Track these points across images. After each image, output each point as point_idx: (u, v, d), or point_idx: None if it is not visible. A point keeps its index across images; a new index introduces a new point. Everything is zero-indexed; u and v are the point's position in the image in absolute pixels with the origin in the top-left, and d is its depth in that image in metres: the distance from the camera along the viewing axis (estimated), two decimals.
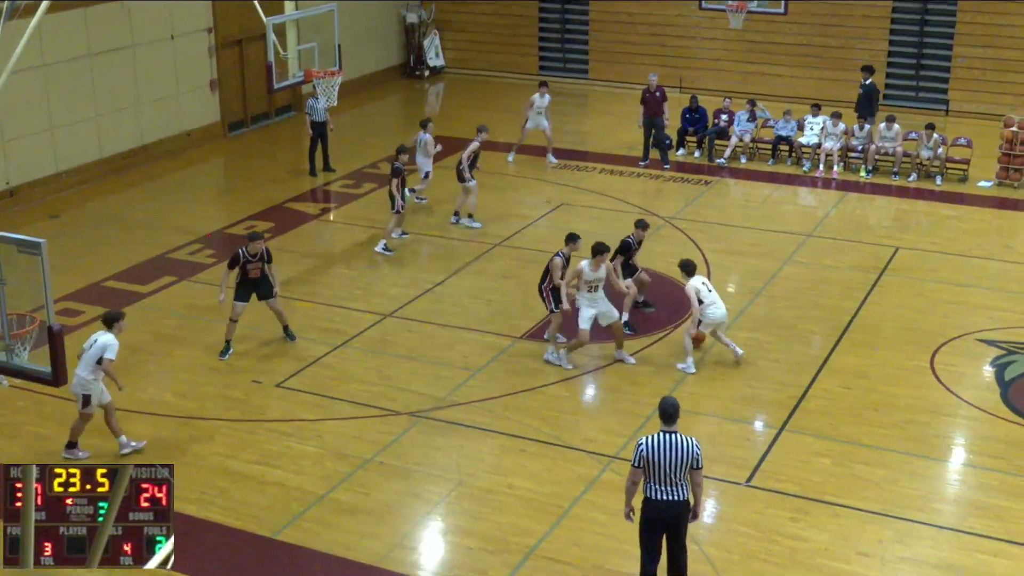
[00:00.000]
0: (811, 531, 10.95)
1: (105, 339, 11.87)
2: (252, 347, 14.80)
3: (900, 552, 10.67)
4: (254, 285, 14.35)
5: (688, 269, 14.15)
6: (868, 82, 22.36)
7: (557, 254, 14.16)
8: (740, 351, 14.21)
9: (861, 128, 21.74)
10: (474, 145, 18.78)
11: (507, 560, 10.51)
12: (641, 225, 15.43)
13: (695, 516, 9.54)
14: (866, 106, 22.28)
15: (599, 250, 13.83)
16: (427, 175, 19.71)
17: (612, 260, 14.76)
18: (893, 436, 12.63)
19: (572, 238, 14.30)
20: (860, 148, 21.79)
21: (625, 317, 14.98)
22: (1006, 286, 16.67)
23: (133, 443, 12.27)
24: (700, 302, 13.89)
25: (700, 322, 14.03)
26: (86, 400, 11.92)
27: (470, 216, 18.91)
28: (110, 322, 12.06)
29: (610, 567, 10.38)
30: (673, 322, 15.36)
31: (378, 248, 17.88)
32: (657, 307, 15.85)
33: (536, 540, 10.79)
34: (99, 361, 11.82)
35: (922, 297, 16.30)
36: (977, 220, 19.58)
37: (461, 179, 18.73)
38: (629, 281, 15.15)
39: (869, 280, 16.78)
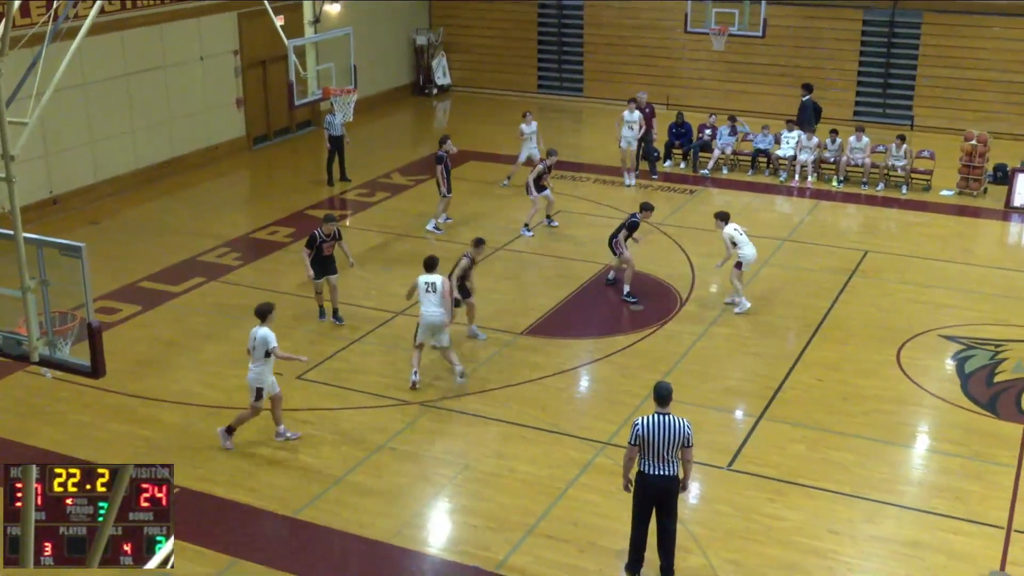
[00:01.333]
0: (787, 511, 10.96)
1: (263, 332, 11.66)
2: None
3: (868, 530, 10.68)
4: (325, 261, 14.96)
5: (723, 217, 15.45)
6: (805, 99, 22.55)
7: (465, 256, 14.41)
8: (747, 304, 15.47)
9: (824, 140, 21.76)
10: (539, 167, 18.76)
11: (508, 537, 10.53)
12: (647, 207, 16.21)
13: (684, 488, 9.62)
14: (800, 120, 22.58)
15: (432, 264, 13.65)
16: (517, 160, 21.04)
17: (619, 235, 15.87)
18: (862, 424, 12.64)
19: (479, 242, 14.60)
20: (832, 160, 21.79)
21: (627, 288, 16.01)
22: (966, 287, 16.67)
23: (289, 433, 12.17)
24: (735, 245, 15.24)
25: (740, 263, 15.30)
26: (259, 393, 11.75)
27: (526, 225, 18.96)
28: (264, 315, 11.83)
29: (603, 544, 10.39)
30: (660, 320, 15.37)
31: (428, 227, 18.89)
32: (645, 305, 15.86)
33: (535, 519, 10.80)
34: (266, 354, 11.65)
35: (889, 297, 16.30)
36: (940, 226, 19.57)
37: (528, 193, 18.92)
38: (628, 254, 15.98)
39: (840, 281, 16.78)
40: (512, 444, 12.25)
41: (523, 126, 20.96)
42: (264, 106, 24.86)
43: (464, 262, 14.41)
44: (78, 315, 9.73)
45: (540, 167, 18.80)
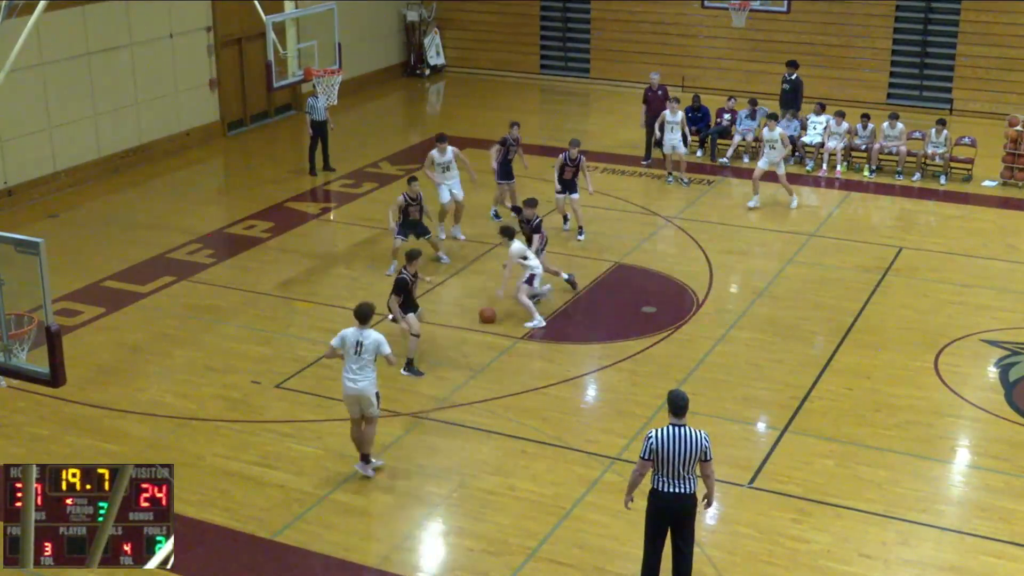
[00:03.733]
0: (813, 533, 10.97)
1: (376, 335, 11.48)
2: (251, 347, 14.82)
3: (903, 554, 10.68)
4: (408, 302, 14.16)
5: (507, 233, 15.22)
6: (793, 77, 22.75)
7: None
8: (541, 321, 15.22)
9: (854, 125, 21.77)
10: (560, 159, 18.14)
11: (508, 562, 10.53)
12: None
13: (708, 504, 9.66)
14: (791, 100, 22.70)
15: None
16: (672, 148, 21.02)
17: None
18: (896, 437, 12.65)
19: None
20: (864, 147, 21.80)
21: (565, 276, 16.35)
22: (1010, 286, 16.67)
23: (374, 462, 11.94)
24: (525, 259, 15.25)
25: (532, 278, 15.24)
26: (378, 398, 11.69)
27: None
28: (368, 316, 11.65)
29: (612, 569, 10.39)
30: (674, 323, 15.38)
31: (492, 213, 19.28)
32: (660, 308, 15.88)
33: (538, 542, 10.80)
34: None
35: (926, 297, 16.31)
36: (981, 220, 19.58)
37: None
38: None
39: (872, 280, 16.80)
40: (512, 459, 12.25)
41: (667, 114, 20.81)
42: (240, 88, 24.88)
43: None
44: (35, 317, 9.73)
45: (561, 158, 18.15)
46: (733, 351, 14.68)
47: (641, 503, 9.66)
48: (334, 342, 11.70)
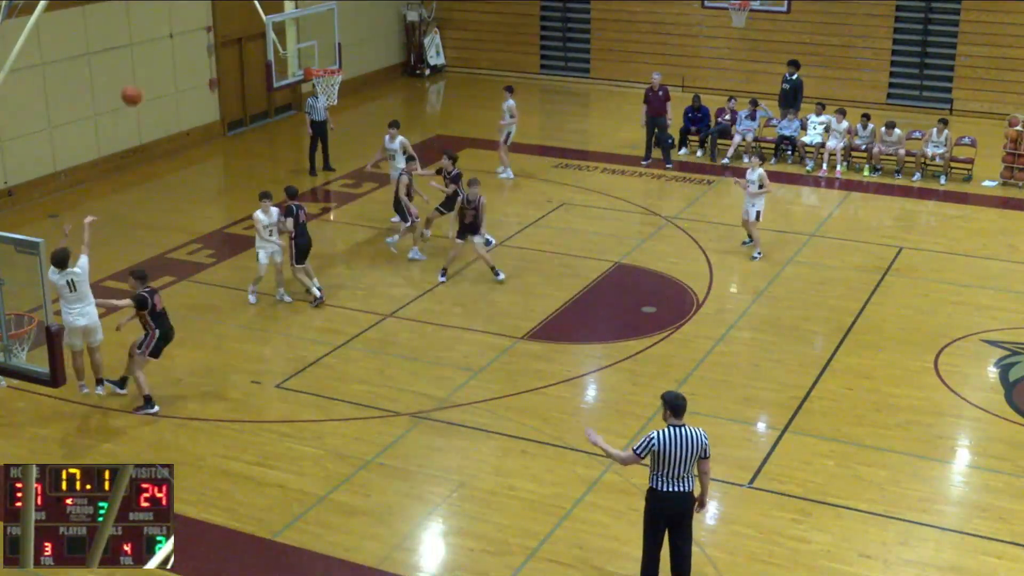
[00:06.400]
0: (814, 533, 10.96)
1: (83, 265, 12.56)
2: (251, 347, 14.82)
3: (903, 554, 10.68)
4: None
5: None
6: (794, 77, 22.81)
7: None
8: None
9: (854, 125, 21.76)
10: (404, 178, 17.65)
11: (508, 562, 10.53)
12: (472, 183, 16.58)
13: (701, 505, 9.64)
14: (791, 100, 22.78)
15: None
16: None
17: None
18: (896, 437, 12.65)
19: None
20: (864, 147, 21.80)
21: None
22: (1010, 286, 16.67)
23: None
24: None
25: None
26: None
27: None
28: (66, 260, 12.38)
29: (612, 569, 10.39)
30: (674, 323, 15.38)
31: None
32: (660, 308, 15.88)
33: (538, 542, 10.80)
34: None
35: (926, 297, 16.31)
36: (981, 220, 19.58)
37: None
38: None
39: (872, 280, 16.80)
40: (512, 459, 12.25)
41: (748, 173, 17.52)
42: (240, 88, 24.87)
43: None
44: (35, 317, 9.75)
45: (405, 177, 17.54)
46: (733, 351, 14.68)
47: (640, 503, 9.66)
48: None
